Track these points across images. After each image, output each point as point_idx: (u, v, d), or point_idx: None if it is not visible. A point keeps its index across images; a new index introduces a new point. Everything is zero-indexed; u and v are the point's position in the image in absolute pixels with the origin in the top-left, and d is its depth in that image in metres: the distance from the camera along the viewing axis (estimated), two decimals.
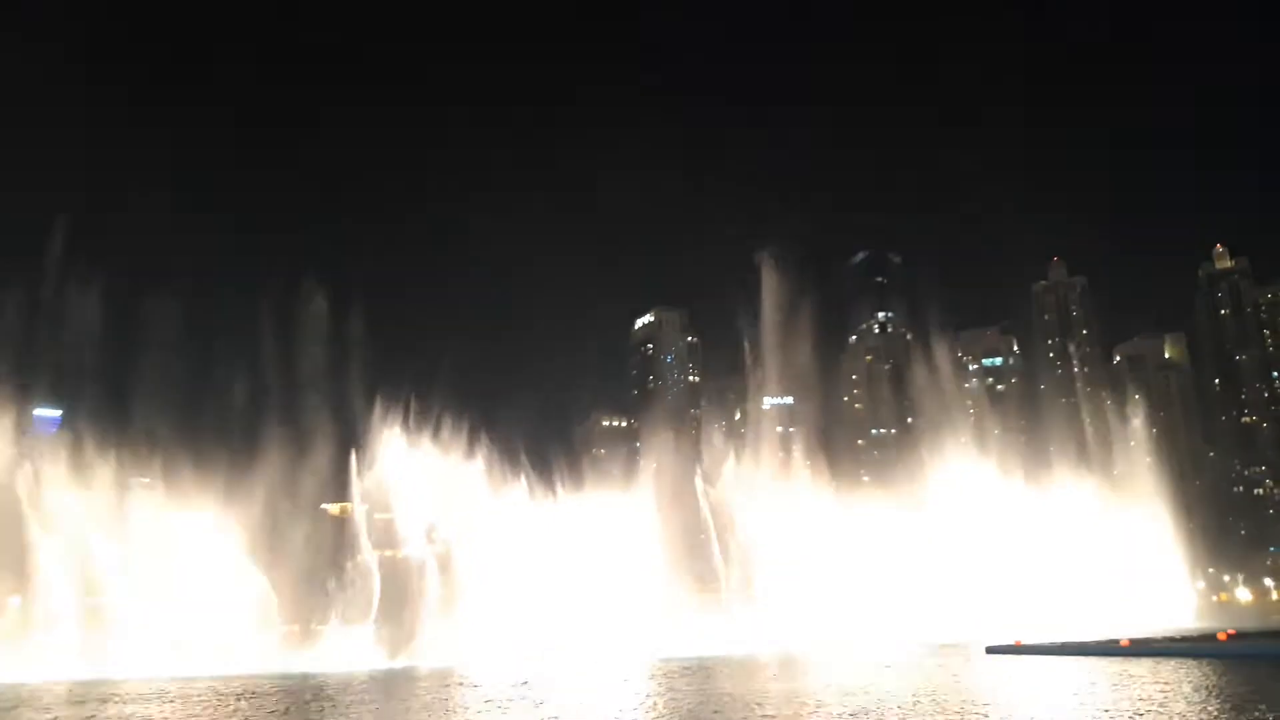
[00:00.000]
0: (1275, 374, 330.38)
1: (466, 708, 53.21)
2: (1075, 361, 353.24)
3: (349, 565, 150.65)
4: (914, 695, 47.61)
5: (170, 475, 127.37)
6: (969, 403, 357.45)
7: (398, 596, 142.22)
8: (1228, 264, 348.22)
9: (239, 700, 60.45)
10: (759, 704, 46.09)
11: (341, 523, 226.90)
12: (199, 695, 64.41)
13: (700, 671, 74.42)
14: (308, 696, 63.50)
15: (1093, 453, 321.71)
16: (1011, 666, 71.39)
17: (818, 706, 43.83)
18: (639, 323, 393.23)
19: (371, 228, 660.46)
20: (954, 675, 64.01)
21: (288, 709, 55.11)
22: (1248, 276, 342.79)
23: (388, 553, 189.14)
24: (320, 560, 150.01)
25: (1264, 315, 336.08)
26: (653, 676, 71.37)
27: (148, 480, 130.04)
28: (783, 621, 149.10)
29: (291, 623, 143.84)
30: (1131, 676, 56.31)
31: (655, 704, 51.49)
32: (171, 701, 60.75)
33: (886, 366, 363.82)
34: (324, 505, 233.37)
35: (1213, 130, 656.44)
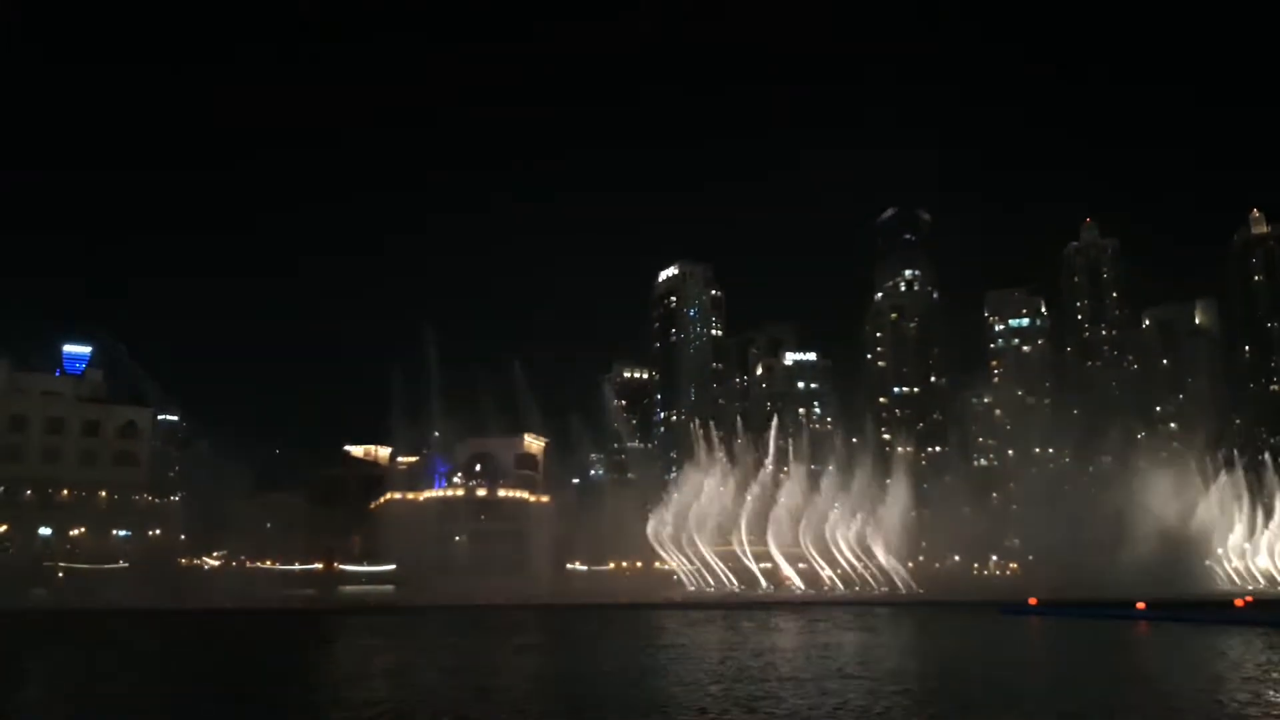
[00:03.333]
0: None
1: None
2: (1104, 325, 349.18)
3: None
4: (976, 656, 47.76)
5: None
6: (994, 363, 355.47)
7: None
8: (1264, 229, 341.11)
9: None
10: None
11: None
12: None
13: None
14: None
15: (1118, 418, 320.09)
16: (1039, 626, 71.58)
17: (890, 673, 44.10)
18: (663, 275, 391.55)
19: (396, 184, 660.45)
20: (996, 634, 64.12)
21: None
22: None
23: (409, 496, 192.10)
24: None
25: None
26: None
27: None
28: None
29: None
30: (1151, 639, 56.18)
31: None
32: None
33: (912, 325, 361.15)
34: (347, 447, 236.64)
35: (1255, 92, 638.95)
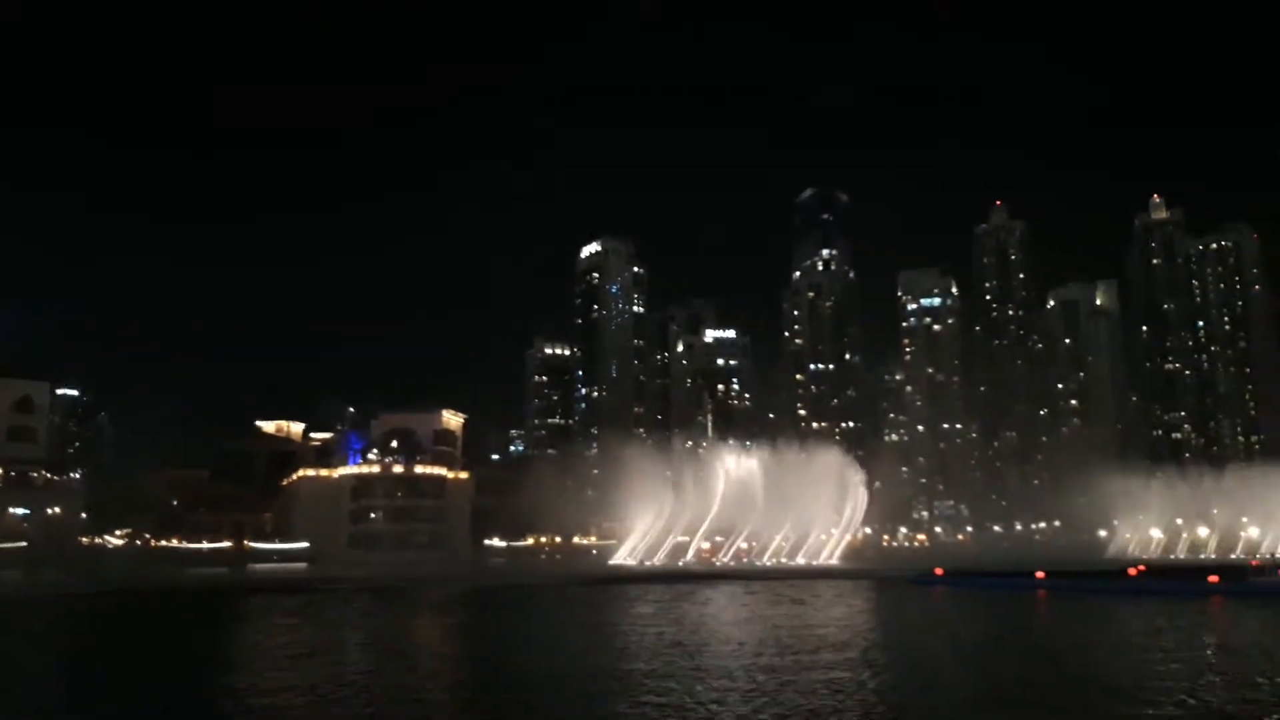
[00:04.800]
0: (1200, 324, 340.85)
1: None
2: (1011, 305, 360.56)
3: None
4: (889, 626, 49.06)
5: None
6: (907, 342, 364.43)
7: None
8: (1163, 214, 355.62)
9: None
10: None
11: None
12: None
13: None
14: None
15: (1024, 394, 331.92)
16: (943, 595, 74.04)
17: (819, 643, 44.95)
18: (585, 251, 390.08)
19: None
20: (908, 605, 66.08)
21: None
22: (1181, 227, 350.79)
23: (323, 473, 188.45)
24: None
25: (1194, 266, 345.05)
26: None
27: None
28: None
29: None
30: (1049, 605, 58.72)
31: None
32: None
33: (829, 304, 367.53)
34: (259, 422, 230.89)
35: (1158, 83, 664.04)
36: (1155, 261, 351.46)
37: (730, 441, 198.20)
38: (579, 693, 25.84)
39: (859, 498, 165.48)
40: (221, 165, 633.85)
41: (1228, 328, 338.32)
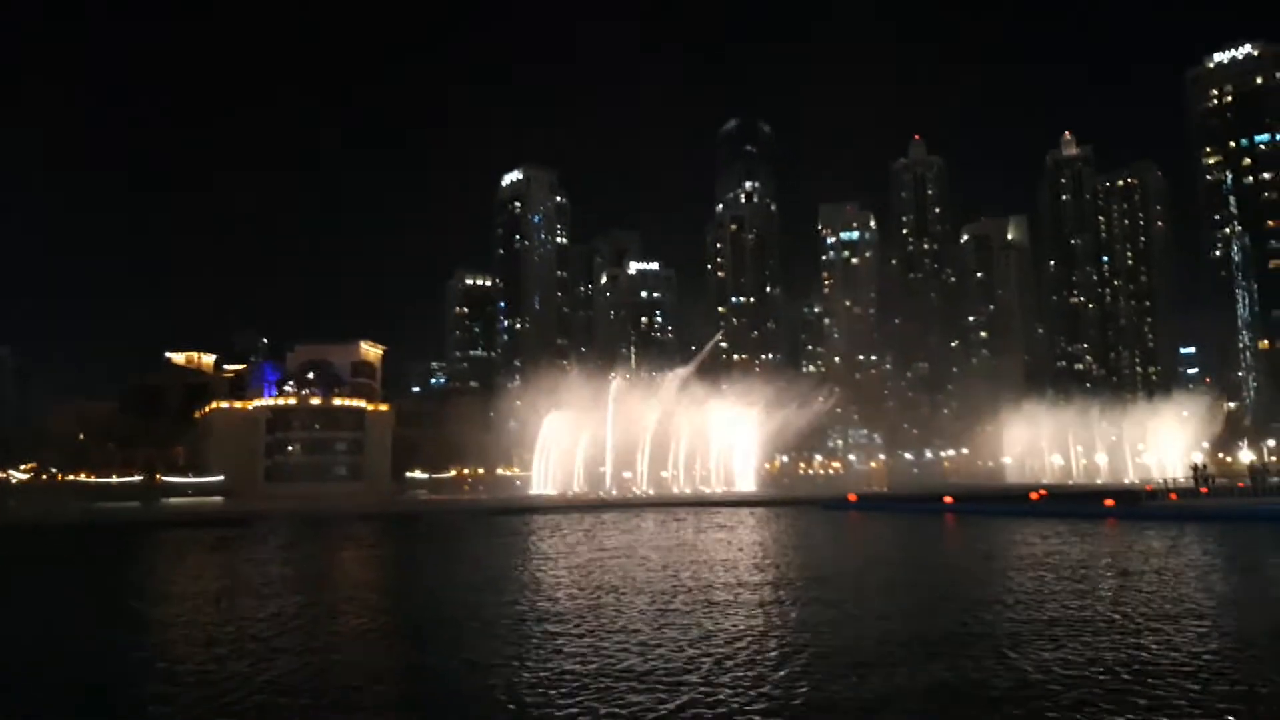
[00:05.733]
0: (1105, 259, 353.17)
1: None
2: (927, 239, 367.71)
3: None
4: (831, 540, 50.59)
5: None
6: (826, 275, 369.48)
7: None
8: (1074, 151, 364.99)
9: None
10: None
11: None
12: None
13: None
14: None
15: (937, 326, 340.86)
16: (856, 520, 76.69)
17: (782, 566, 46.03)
18: (506, 180, 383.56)
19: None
20: (828, 525, 68.24)
21: None
22: (1090, 164, 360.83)
23: (237, 405, 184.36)
24: None
25: (1101, 202, 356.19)
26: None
27: None
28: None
29: None
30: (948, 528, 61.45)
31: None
32: None
33: (750, 236, 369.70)
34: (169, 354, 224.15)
35: (1074, 25, 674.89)
36: (1064, 198, 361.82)
37: (653, 373, 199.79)
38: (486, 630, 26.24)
39: (775, 426, 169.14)
40: (124, 80, 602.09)
41: (1130, 263, 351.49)
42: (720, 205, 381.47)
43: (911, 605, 28.19)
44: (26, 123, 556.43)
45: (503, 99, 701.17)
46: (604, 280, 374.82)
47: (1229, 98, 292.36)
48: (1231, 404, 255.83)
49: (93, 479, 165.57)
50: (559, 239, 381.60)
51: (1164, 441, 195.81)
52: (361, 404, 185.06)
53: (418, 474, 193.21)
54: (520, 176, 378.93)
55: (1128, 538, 50.74)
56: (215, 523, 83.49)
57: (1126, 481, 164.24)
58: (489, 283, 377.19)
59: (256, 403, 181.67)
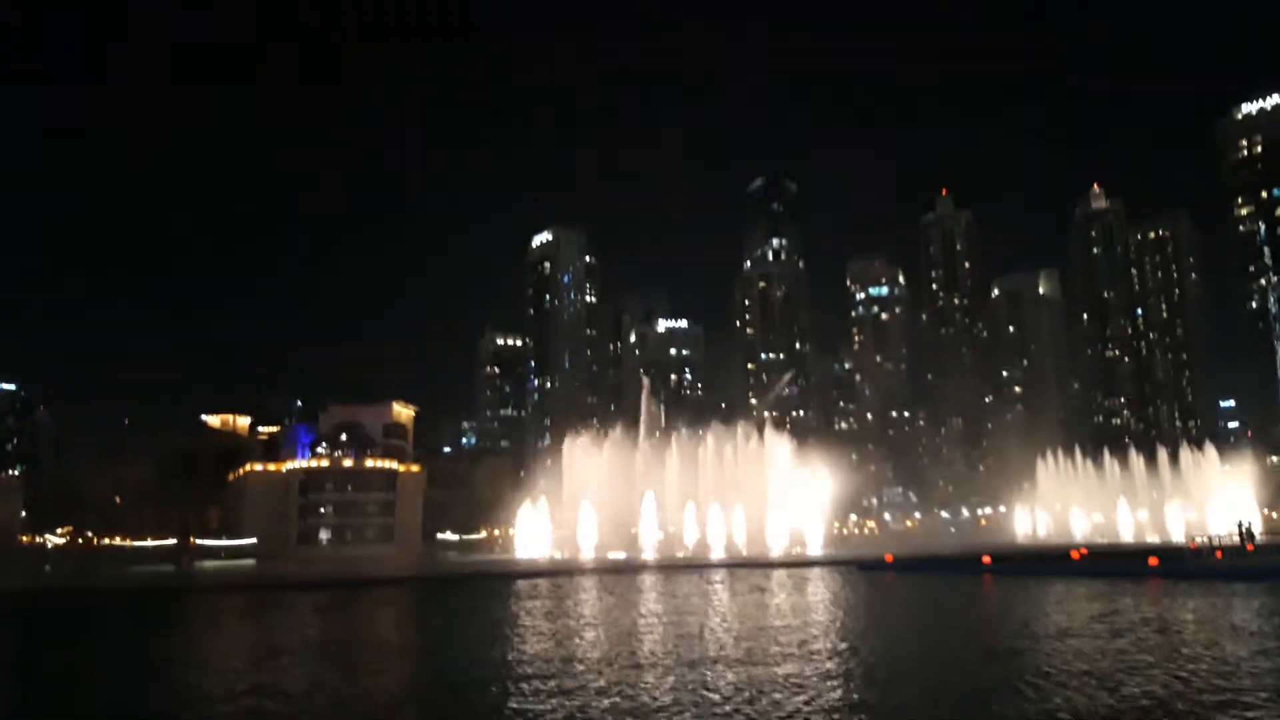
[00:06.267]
0: (1139, 311, 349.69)
1: None
2: (957, 293, 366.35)
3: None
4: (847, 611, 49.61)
5: None
6: (856, 330, 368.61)
7: None
8: (1103, 204, 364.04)
9: None
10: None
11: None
12: None
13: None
14: None
15: (970, 382, 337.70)
16: (899, 582, 75.13)
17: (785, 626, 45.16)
18: (536, 241, 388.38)
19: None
20: (861, 589, 66.96)
21: None
22: (1121, 217, 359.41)
23: (270, 467, 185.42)
24: None
25: (1133, 255, 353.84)
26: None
27: None
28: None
29: None
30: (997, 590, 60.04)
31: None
32: None
33: (779, 293, 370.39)
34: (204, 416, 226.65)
35: (1100, 76, 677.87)
36: (1095, 250, 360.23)
37: (683, 431, 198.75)
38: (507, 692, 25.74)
39: (825, 486, 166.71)
40: (155, 158, 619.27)
41: (1165, 315, 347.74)
42: (748, 262, 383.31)
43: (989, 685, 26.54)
44: (66, 189, 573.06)
45: (530, 158, 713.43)
46: (633, 338, 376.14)
47: (1259, 148, 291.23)
48: (1275, 458, 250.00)
49: (128, 542, 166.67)
50: (588, 298, 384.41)
51: (1207, 497, 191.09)
52: (393, 465, 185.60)
53: (449, 535, 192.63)
54: (550, 237, 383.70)
55: (1171, 597, 49.26)
56: (243, 587, 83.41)
57: (1169, 539, 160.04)
58: (519, 342, 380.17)
59: (289, 465, 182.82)
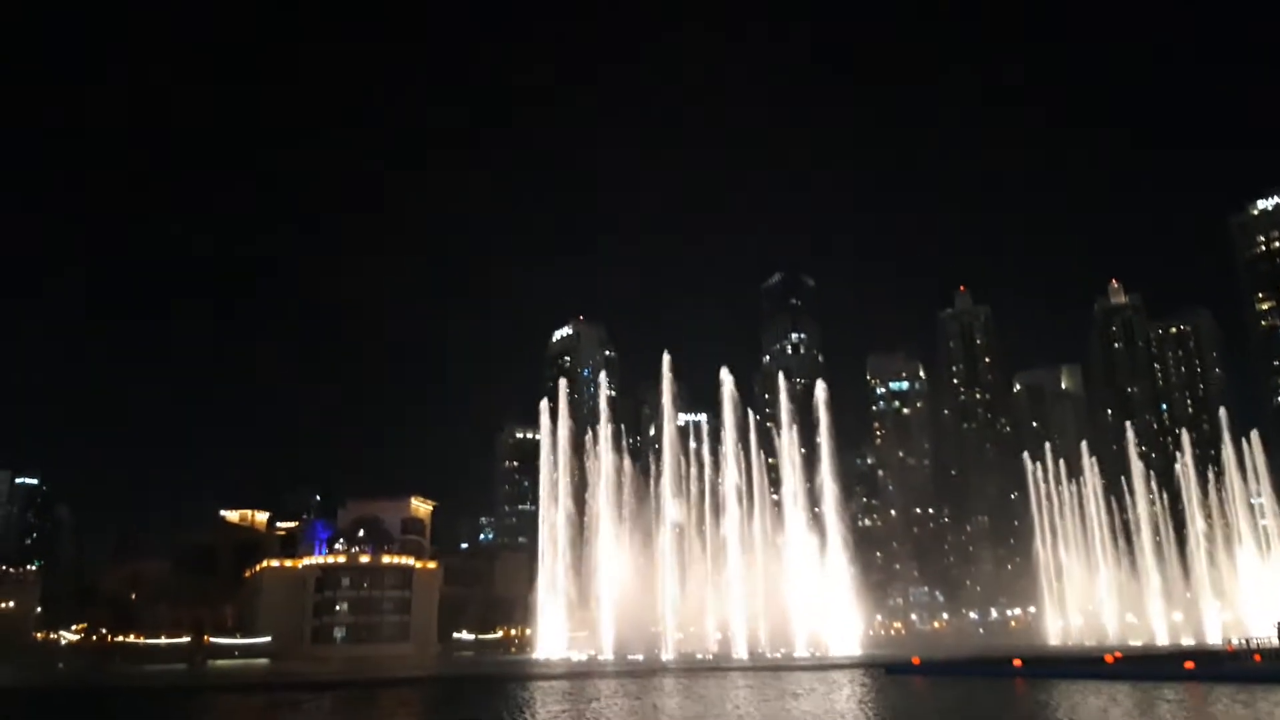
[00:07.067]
0: (1164, 406, 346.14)
1: None
2: (978, 388, 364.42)
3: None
4: None
5: None
6: (877, 425, 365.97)
7: None
8: (1122, 299, 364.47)
9: None
10: None
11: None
12: None
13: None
14: None
15: (995, 477, 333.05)
16: (928, 686, 72.89)
17: None
18: (556, 335, 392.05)
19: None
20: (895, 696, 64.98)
21: None
22: (1141, 312, 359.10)
23: (287, 563, 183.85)
24: None
25: (1155, 350, 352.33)
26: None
27: None
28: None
29: None
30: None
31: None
32: None
33: (798, 387, 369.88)
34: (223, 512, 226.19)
35: (1119, 170, 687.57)
36: (1117, 345, 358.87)
37: (704, 529, 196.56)
38: None
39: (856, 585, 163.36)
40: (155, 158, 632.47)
41: (1190, 411, 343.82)
42: (766, 356, 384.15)
43: None
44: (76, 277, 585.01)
45: (549, 258, 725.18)
46: (651, 432, 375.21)
47: (1276, 243, 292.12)
48: None
49: (141, 640, 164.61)
50: (608, 391, 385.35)
51: (1242, 598, 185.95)
52: (410, 561, 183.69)
53: (464, 635, 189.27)
54: (570, 332, 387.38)
55: (1219, 703, 47.42)
56: (253, 688, 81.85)
57: (1204, 641, 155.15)
58: (538, 436, 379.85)
59: (305, 561, 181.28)
